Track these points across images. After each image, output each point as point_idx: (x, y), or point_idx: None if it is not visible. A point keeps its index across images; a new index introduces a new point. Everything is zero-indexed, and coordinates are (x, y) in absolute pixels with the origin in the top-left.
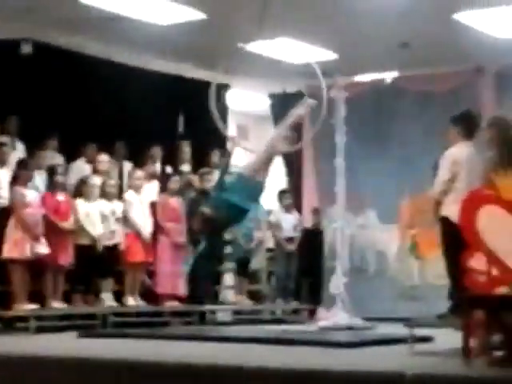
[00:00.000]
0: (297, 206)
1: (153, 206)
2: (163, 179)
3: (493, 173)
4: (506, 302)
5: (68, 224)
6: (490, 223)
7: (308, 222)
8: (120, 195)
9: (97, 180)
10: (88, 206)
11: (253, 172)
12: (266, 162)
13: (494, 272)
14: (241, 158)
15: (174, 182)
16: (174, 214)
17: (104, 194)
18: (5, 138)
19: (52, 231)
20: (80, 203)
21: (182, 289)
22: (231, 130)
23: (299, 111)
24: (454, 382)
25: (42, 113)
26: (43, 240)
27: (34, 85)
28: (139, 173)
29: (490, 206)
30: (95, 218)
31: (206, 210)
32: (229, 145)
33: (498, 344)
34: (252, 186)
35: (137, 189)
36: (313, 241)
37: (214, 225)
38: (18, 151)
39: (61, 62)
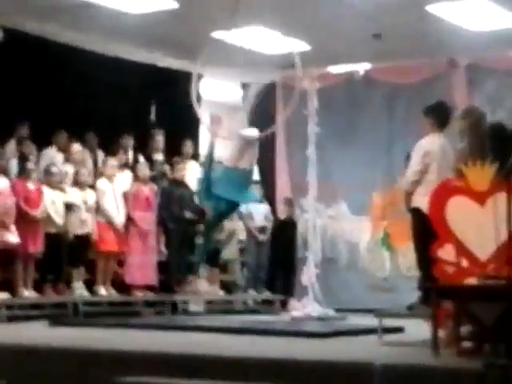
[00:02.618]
0: (270, 196)
1: (125, 195)
2: (135, 168)
3: (463, 164)
4: (474, 292)
5: (38, 212)
6: (459, 214)
7: (281, 213)
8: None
9: (68, 169)
10: (53, 194)
11: (235, 161)
12: (241, 149)
13: (463, 263)
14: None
15: (142, 170)
16: (145, 202)
17: (76, 183)
18: None
19: (22, 219)
20: (46, 191)
21: (153, 278)
22: (205, 120)
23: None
24: (422, 372)
25: (12, 100)
26: (13, 228)
27: (5, 72)
28: (112, 161)
29: (459, 197)
30: (61, 206)
31: (187, 214)
32: (209, 136)
33: (466, 335)
34: (238, 174)
35: (110, 178)
36: (286, 231)
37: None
38: None
39: (33, 50)
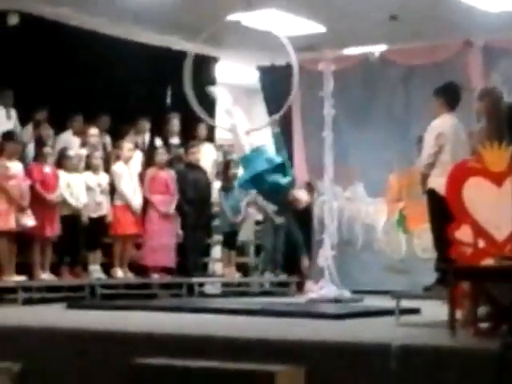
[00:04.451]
0: None
1: (140, 177)
2: (152, 151)
3: (480, 145)
4: (491, 273)
5: (55, 196)
6: (476, 195)
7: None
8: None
9: (82, 152)
10: (69, 177)
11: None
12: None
13: (481, 244)
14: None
15: (161, 155)
16: (163, 186)
17: (90, 166)
18: None
19: (39, 203)
20: (61, 174)
21: (171, 261)
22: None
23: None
24: (439, 353)
25: (29, 85)
26: (29, 212)
27: (21, 56)
28: (129, 144)
29: (476, 178)
30: (77, 189)
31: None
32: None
33: (483, 316)
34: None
35: (126, 160)
36: (302, 213)
37: None
38: (11, 123)
39: (48, 34)
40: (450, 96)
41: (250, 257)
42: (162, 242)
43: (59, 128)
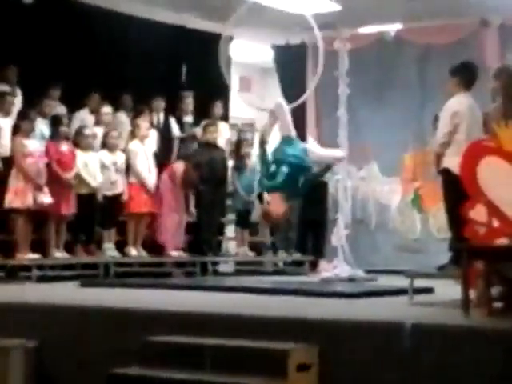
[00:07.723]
0: None
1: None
2: (166, 130)
3: (495, 124)
4: (505, 253)
5: (71, 175)
6: (491, 174)
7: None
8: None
9: (98, 131)
10: (86, 156)
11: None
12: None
13: (495, 223)
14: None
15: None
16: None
17: (106, 145)
18: (6, 87)
19: (55, 181)
20: (78, 153)
21: (181, 241)
22: (233, 82)
23: None
24: (452, 333)
25: (44, 62)
26: (46, 189)
27: (36, 34)
28: (146, 123)
29: (491, 157)
30: (93, 168)
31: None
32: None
33: (496, 295)
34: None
35: (142, 139)
36: (317, 192)
37: None
38: (17, 100)
39: (63, 11)
40: (466, 75)
41: (263, 236)
42: (177, 221)
43: (74, 106)
